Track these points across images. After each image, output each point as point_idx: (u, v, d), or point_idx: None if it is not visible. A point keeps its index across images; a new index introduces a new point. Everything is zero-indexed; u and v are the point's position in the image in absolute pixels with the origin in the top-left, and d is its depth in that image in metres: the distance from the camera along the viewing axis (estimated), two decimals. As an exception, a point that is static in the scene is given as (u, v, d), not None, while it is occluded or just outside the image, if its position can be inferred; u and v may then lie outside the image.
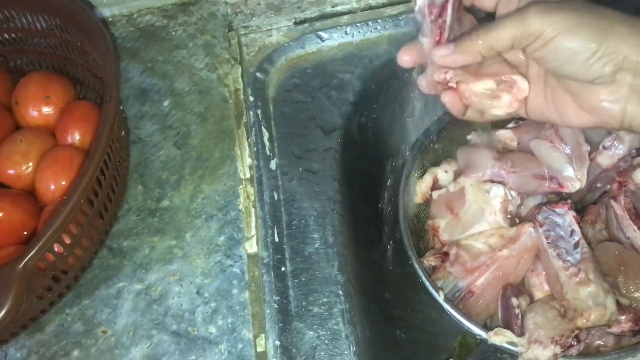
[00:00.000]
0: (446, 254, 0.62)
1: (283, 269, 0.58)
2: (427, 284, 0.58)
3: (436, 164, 0.71)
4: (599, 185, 0.67)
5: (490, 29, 0.41)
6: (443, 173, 0.70)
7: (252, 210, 0.61)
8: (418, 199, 0.69)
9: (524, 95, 0.45)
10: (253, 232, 0.60)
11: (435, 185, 0.70)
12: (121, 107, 0.66)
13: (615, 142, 0.65)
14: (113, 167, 0.55)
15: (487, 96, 0.45)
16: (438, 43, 0.44)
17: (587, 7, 0.39)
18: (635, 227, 0.59)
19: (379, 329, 0.62)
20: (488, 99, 0.45)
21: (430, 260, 0.63)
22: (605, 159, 0.65)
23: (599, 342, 0.57)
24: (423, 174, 0.70)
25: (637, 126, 0.40)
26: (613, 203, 0.62)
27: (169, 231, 0.61)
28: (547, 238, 0.57)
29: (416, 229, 0.68)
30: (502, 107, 0.45)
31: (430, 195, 0.69)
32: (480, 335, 0.55)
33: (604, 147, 0.66)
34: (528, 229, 0.60)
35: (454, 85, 0.45)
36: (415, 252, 0.60)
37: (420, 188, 0.69)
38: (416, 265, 0.59)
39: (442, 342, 0.69)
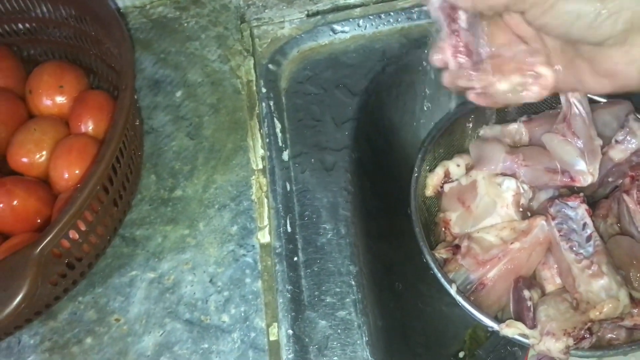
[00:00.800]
0: (457, 247, 0.63)
1: (295, 258, 0.58)
2: (440, 276, 0.58)
3: (448, 157, 0.71)
4: (610, 179, 0.67)
5: None
6: (455, 167, 0.70)
7: (265, 200, 0.62)
8: (429, 191, 0.69)
9: (550, 82, 0.45)
10: (266, 222, 0.60)
11: (446, 179, 0.70)
12: (135, 97, 0.66)
13: (627, 137, 0.64)
14: (128, 156, 0.56)
15: (514, 92, 0.45)
16: (455, 49, 0.44)
17: None
18: (647, 221, 0.59)
19: (391, 319, 0.62)
20: (516, 95, 0.45)
21: (442, 253, 0.63)
22: (618, 153, 0.65)
23: (611, 335, 0.57)
24: (435, 167, 0.70)
25: None
26: (625, 197, 0.62)
27: (181, 220, 0.61)
28: (559, 231, 0.57)
29: (427, 222, 0.68)
30: (531, 98, 0.45)
31: (442, 188, 0.69)
32: (492, 328, 0.55)
33: (617, 141, 0.66)
34: (540, 222, 0.61)
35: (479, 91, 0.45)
36: (427, 244, 0.60)
37: (432, 181, 0.69)
38: (428, 258, 0.59)
39: (452, 334, 0.69)
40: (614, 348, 0.55)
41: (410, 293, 0.68)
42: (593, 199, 0.67)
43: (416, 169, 0.66)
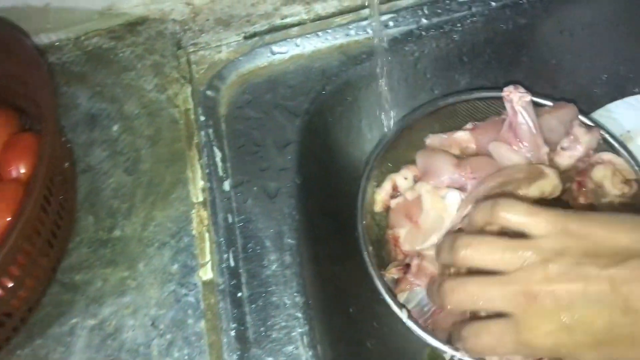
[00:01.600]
0: (408, 265, 0.61)
1: (239, 294, 0.56)
2: (390, 302, 0.57)
3: (396, 170, 0.69)
4: (559, 185, 0.66)
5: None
6: (402, 179, 0.68)
7: (206, 235, 0.60)
8: (378, 207, 0.68)
9: None
10: (207, 257, 0.58)
11: (394, 192, 0.69)
12: (64, 138, 0.64)
13: (573, 143, 0.64)
14: (56, 203, 0.53)
15: None
16: None
17: None
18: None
19: (344, 346, 0.61)
20: None
21: (392, 273, 0.62)
22: (564, 160, 0.65)
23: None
24: (382, 181, 0.69)
25: None
26: (573, 205, 0.61)
27: (121, 262, 0.59)
28: None
29: (378, 239, 0.67)
30: None
31: (390, 203, 0.68)
32: (446, 353, 0.54)
33: (562, 148, 0.65)
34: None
35: None
36: (375, 266, 0.59)
37: (380, 196, 0.68)
38: (377, 282, 0.58)
39: (411, 354, 0.67)
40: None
41: (366, 314, 0.66)
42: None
43: (362, 185, 0.65)
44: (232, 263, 0.58)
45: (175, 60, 0.73)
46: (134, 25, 0.77)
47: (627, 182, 0.62)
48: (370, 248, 0.61)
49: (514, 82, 0.61)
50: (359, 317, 0.66)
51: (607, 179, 0.62)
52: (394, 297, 0.58)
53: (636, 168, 0.63)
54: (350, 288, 0.66)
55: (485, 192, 0.58)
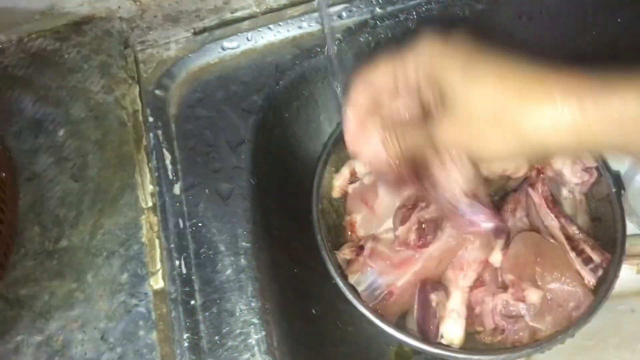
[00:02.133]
0: (361, 247, 0.60)
1: (192, 302, 0.54)
2: (340, 282, 0.55)
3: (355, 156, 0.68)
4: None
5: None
6: (361, 165, 0.67)
7: (157, 241, 0.57)
8: (336, 193, 0.67)
9: None
10: (158, 265, 0.56)
11: (353, 178, 0.68)
12: (1, 147, 0.61)
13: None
14: (-8, 215, 0.51)
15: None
16: None
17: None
18: (553, 215, 0.57)
19: (305, 349, 0.59)
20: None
21: (345, 254, 0.60)
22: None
23: (515, 337, 0.55)
24: (341, 167, 0.67)
25: None
26: (531, 191, 0.60)
27: (68, 274, 0.57)
28: None
29: (336, 225, 0.66)
30: None
31: (348, 189, 0.67)
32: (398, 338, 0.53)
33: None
34: (447, 229, 0.58)
35: None
36: (328, 248, 0.57)
37: (338, 182, 0.67)
38: (328, 264, 0.56)
39: (376, 353, 0.66)
40: (517, 350, 0.54)
41: (329, 315, 0.64)
42: (504, 192, 0.65)
43: (319, 171, 0.63)
44: (184, 270, 0.56)
45: (122, 60, 0.70)
46: (80, 24, 0.74)
47: (586, 169, 0.60)
48: (324, 230, 0.60)
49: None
50: (322, 319, 0.64)
51: (567, 167, 0.61)
52: (344, 278, 0.57)
53: (596, 154, 0.61)
54: (312, 289, 0.64)
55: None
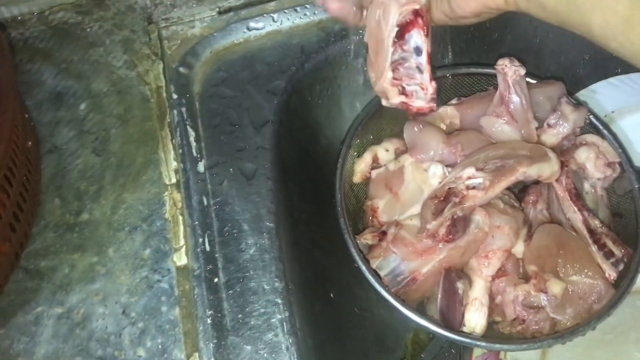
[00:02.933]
0: (384, 233, 0.60)
1: (216, 280, 0.54)
2: (362, 266, 0.55)
3: (377, 142, 0.68)
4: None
5: None
6: (384, 152, 0.67)
7: (180, 218, 0.57)
8: (357, 178, 0.67)
9: None
10: (182, 242, 0.56)
11: (375, 164, 0.67)
12: (27, 116, 0.60)
13: (560, 120, 0.62)
14: (18, 184, 0.50)
15: None
16: None
17: None
18: (576, 209, 0.57)
19: (325, 332, 0.59)
20: None
21: (367, 239, 0.60)
22: (550, 137, 0.63)
23: (535, 327, 0.55)
24: (363, 152, 0.67)
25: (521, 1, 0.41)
26: (554, 183, 0.60)
27: (89, 247, 0.56)
28: None
29: (355, 210, 0.65)
30: None
31: (370, 174, 0.66)
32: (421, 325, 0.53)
33: (549, 125, 0.63)
34: (476, 217, 0.58)
35: None
36: (350, 233, 0.57)
37: (359, 167, 0.66)
38: (351, 249, 0.56)
39: (393, 339, 0.66)
40: (539, 340, 0.54)
41: (346, 299, 0.64)
42: (524, 183, 0.65)
43: (342, 155, 0.63)
44: (207, 247, 0.55)
45: (145, 36, 0.70)
46: (102, -1, 0.73)
47: (609, 164, 0.60)
48: (346, 214, 0.60)
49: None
50: (340, 303, 0.64)
51: (591, 161, 0.61)
52: (369, 267, 0.56)
53: (619, 150, 0.61)
54: (331, 273, 0.64)
55: (486, 159, 0.57)
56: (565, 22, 0.43)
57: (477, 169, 0.56)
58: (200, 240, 0.55)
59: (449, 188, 0.56)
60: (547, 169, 0.56)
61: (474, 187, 0.55)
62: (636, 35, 0.37)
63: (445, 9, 0.49)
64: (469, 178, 0.56)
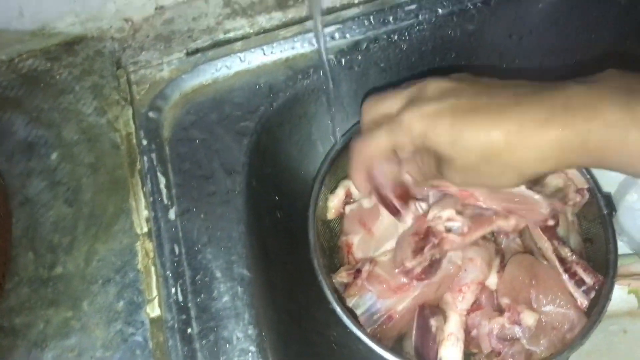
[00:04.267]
0: (359, 271, 0.60)
1: (189, 330, 0.54)
2: (336, 306, 0.56)
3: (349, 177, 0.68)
4: (514, 193, 0.65)
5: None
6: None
7: (152, 268, 0.57)
8: (331, 214, 0.67)
9: None
10: (154, 293, 0.56)
11: (348, 199, 0.68)
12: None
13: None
14: (-14, 246, 0.50)
15: None
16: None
17: None
18: (546, 238, 0.58)
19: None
20: None
21: (342, 277, 0.61)
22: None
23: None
24: (335, 188, 0.68)
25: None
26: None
27: (64, 301, 0.56)
28: None
29: (330, 246, 0.66)
30: None
31: (344, 210, 0.67)
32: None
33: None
34: (449, 254, 0.58)
35: None
36: (324, 272, 0.58)
37: (333, 203, 0.67)
38: (325, 289, 0.57)
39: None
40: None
41: (324, 338, 0.65)
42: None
43: (313, 196, 0.64)
44: (180, 297, 0.55)
45: (115, 81, 0.70)
46: (71, 44, 0.73)
47: (578, 191, 0.61)
48: (320, 253, 0.61)
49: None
50: (318, 342, 0.64)
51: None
52: (342, 302, 0.57)
53: (588, 177, 0.62)
54: (307, 311, 0.64)
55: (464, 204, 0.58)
56: None
57: (457, 212, 0.57)
58: (173, 290, 0.56)
59: (429, 227, 0.57)
60: (513, 222, 0.57)
61: (450, 230, 0.56)
62: None
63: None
64: (448, 220, 0.56)
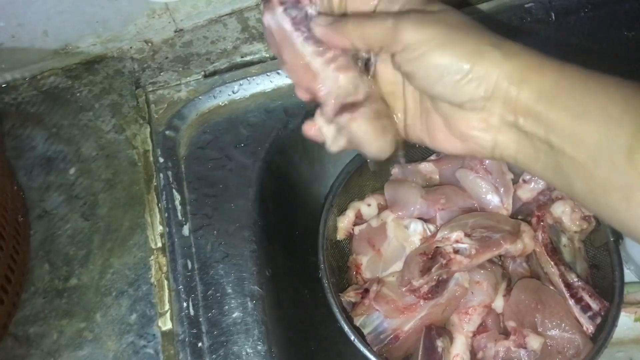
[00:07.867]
0: (366, 291, 0.61)
1: (200, 344, 0.55)
2: (344, 324, 0.57)
3: (360, 198, 0.70)
4: (519, 217, 0.66)
5: (363, 21, 0.38)
6: (366, 207, 0.69)
7: (165, 282, 0.58)
8: (340, 235, 0.69)
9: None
10: (167, 306, 0.57)
11: (358, 220, 0.69)
12: (16, 187, 0.62)
13: (535, 177, 0.64)
14: (6, 257, 0.52)
15: None
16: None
17: (462, 25, 0.37)
18: (552, 263, 0.59)
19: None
20: None
21: (350, 296, 0.62)
22: (525, 193, 0.65)
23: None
24: (346, 209, 0.69)
25: (508, 156, 0.38)
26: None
27: (77, 313, 0.58)
28: (292, 19, 0.41)
29: (340, 266, 0.67)
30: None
31: (353, 231, 0.68)
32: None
33: (524, 181, 0.65)
34: (455, 275, 0.59)
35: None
36: (333, 292, 0.59)
37: (342, 224, 0.68)
38: (332, 301, 0.58)
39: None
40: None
41: (331, 356, 0.65)
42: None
43: (324, 213, 0.65)
44: (191, 312, 0.57)
45: (133, 100, 0.72)
46: (92, 63, 0.76)
47: (585, 218, 0.62)
48: (329, 273, 0.62)
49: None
50: (326, 359, 0.65)
51: (567, 215, 0.62)
52: (350, 321, 0.58)
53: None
54: (316, 330, 0.65)
55: (474, 226, 0.59)
56: None
57: (465, 234, 0.58)
58: (185, 304, 0.57)
59: (437, 247, 0.58)
60: (520, 245, 0.58)
61: (458, 251, 0.57)
62: None
63: (424, 138, 0.43)
64: (457, 241, 0.57)
